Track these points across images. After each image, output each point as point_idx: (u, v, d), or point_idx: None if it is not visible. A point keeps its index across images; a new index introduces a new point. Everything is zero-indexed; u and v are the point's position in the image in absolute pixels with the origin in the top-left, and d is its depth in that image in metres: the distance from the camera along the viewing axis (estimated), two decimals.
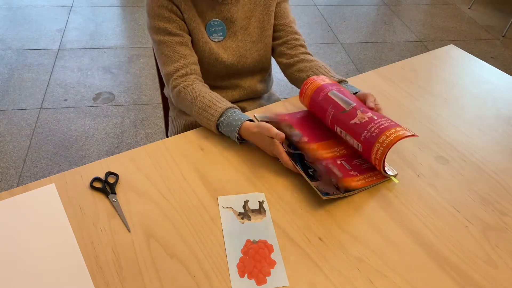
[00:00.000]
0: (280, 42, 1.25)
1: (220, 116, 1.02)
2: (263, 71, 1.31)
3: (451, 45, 1.50)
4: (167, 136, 1.45)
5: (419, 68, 1.36)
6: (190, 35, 1.16)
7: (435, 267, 0.80)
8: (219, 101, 1.04)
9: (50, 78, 2.58)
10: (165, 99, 1.42)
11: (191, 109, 1.07)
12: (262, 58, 1.26)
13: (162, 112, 1.49)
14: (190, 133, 1.06)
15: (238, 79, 1.27)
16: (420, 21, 3.52)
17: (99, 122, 2.28)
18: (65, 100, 2.42)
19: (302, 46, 1.25)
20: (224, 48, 1.19)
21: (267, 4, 1.20)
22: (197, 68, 1.15)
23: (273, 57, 1.29)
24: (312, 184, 0.89)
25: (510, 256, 0.82)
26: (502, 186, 0.97)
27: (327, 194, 0.87)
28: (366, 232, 0.85)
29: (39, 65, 2.68)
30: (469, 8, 3.77)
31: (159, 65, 1.16)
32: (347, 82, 1.17)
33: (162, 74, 1.15)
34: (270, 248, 0.81)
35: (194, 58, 1.15)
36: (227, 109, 1.02)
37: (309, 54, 1.25)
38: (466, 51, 1.47)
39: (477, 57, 1.44)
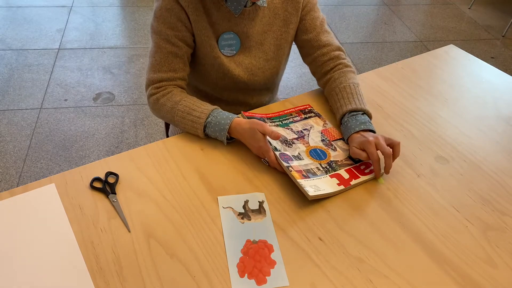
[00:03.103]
0: (310, 60, 1.19)
1: (207, 117, 0.99)
2: (273, 87, 1.28)
3: (451, 45, 1.50)
4: (167, 136, 1.45)
5: (419, 68, 1.36)
6: (197, 46, 1.10)
7: (435, 267, 0.80)
8: (202, 104, 1.02)
9: (50, 78, 2.58)
10: None
11: (172, 115, 1.03)
12: (273, 76, 1.21)
13: None
14: (190, 133, 1.06)
15: (246, 95, 1.22)
16: (420, 21, 3.52)
17: (99, 122, 2.28)
18: (65, 100, 2.42)
19: (331, 59, 1.15)
20: (235, 63, 1.13)
21: (287, 21, 1.13)
22: (183, 83, 1.10)
23: (310, 70, 1.23)
24: (299, 183, 0.89)
25: (510, 256, 0.82)
26: (502, 186, 0.97)
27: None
28: (366, 232, 0.85)
29: (39, 65, 2.68)
30: (469, 8, 3.77)
31: (148, 64, 1.10)
32: (364, 114, 1.03)
33: (146, 75, 1.10)
34: (270, 248, 0.81)
35: (185, 73, 1.10)
36: (213, 110, 1.01)
37: (337, 68, 1.15)
38: (466, 51, 1.47)
39: (477, 57, 1.44)
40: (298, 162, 0.96)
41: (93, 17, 3.25)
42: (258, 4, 1.07)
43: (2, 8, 3.27)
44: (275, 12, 1.11)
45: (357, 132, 0.99)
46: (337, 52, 1.16)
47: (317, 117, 1.11)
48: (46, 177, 0.92)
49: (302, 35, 1.16)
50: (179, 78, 1.09)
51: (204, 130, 1.01)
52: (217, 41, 1.09)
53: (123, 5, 3.46)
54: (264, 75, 1.17)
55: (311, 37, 1.15)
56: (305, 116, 1.11)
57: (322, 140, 1.04)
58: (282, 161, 0.94)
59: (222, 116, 0.99)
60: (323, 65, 1.16)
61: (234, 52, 1.11)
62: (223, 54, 1.11)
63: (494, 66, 1.40)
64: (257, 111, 1.12)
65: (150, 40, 1.09)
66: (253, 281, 0.76)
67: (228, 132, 0.99)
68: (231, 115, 1.00)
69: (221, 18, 1.06)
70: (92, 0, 3.46)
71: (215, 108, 1.02)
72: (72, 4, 3.38)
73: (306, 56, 1.19)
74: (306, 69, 1.23)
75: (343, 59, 1.16)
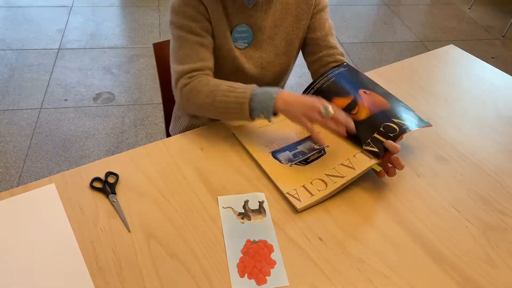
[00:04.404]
0: (313, 59, 1.18)
1: (252, 91, 0.96)
2: (281, 85, 1.27)
3: (451, 45, 1.50)
4: (167, 135, 1.45)
5: (419, 68, 1.36)
6: (213, 39, 1.09)
7: (435, 267, 0.80)
8: (242, 84, 1.00)
9: (50, 78, 2.58)
10: (165, 99, 1.42)
11: (213, 98, 0.99)
12: (283, 71, 1.21)
13: (162, 112, 1.49)
14: (190, 133, 1.06)
15: None
16: (420, 21, 3.52)
17: (99, 122, 2.28)
18: (65, 100, 2.42)
19: (335, 61, 1.16)
20: (246, 57, 1.13)
21: (299, 17, 1.13)
22: (211, 73, 1.08)
23: (309, 70, 1.23)
24: (287, 194, 0.90)
25: (510, 256, 0.82)
26: (502, 186, 0.97)
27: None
28: (366, 232, 0.85)
29: (39, 65, 2.68)
30: (469, 8, 3.77)
31: (172, 61, 1.08)
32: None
33: (173, 70, 1.07)
34: (270, 248, 0.81)
35: (212, 62, 1.08)
36: (255, 85, 0.99)
37: None
38: (466, 51, 1.47)
39: (477, 57, 1.44)
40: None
41: (93, 17, 3.25)
42: None
43: (2, 8, 3.27)
44: (287, 7, 1.12)
45: None
46: (341, 57, 1.18)
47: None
48: (46, 177, 0.92)
49: (310, 33, 1.17)
50: (208, 68, 1.06)
51: (251, 103, 0.96)
52: (230, 33, 1.09)
53: (123, 5, 3.46)
54: (274, 69, 1.18)
55: (319, 36, 1.16)
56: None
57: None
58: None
59: (268, 87, 0.98)
60: (327, 66, 1.17)
61: (246, 45, 1.12)
62: (236, 47, 1.11)
63: (494, 66, 1.40)
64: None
65: (171, 37, 1.08)
66: (253, 281, 0.76)
67: (276, 99, 0.95)
68: (275, 87, 0.99)
69: (235, 10, 1.07)
70: (92, 0, 3.46)
71: (256, 85, 1.00)
72: (72, 4, 3.38)
73: (310, 54, 1.20)
74: (306, 69, 1.23)
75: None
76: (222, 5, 1.05)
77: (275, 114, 0.97)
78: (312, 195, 0.89)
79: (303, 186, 0.91)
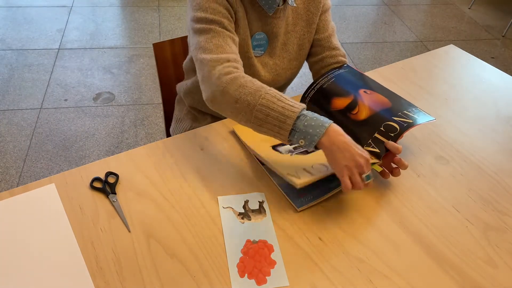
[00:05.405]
0: (316, 60, 1.18)
1: (302, 109, 0.84)
2: (287, 86, 1.28)
3: (451, 45, 1.50)
4: (167, 136, 1.45)
5: (419, 68, 1.36)
6: None
7: (435, 267, 0.80)
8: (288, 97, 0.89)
9: (50, 78, 2.58)
10: (165, 99, 1.42)
11: (258, 98, 0.85)
12: (293, 76, 1.21)
13: (162, 112, 1.49)
14: (190, 133, 1.06)
15: None
16: (420, 21, 3.52)
17: (99, 122, 2.28)
18: (65, 100, 2.42)
19: (337, 62, 1.16)
20: (262, 65, 1.12)
21: (310, 21, 1.13)
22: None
23: (311, 70, 1.22)
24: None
25: (510, 256, 0.82)
26: (502, 186, 0.97)
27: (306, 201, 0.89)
28: (366, 232, 0.85)
29: (39, 65, 2.68)
30: (469, 8, 3.77)
31: (200, 51, 0.95)
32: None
33: (203, 59, 0.93)
34: (270, 248, 0.81)
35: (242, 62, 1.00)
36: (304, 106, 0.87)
37: None
38: (466, 51, 1.47)
39: (477, 57, 1.44)
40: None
41: (93, 17, 3.25)
42: (289, 3, 1.07)
43: (2, 8, 3.27)
44: (297, 12, 1.12)
45: None
46: (343, 58, 1.18)
47: None
48: (46, 177, 0.92)
49: (314, 34, 1.17)
50: (242, 65, 0.96)
51: (296, 121, 0.83)
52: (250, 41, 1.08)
53: (123, 5, 3.46)
54: (286, 75, 1.18)
55: (323, 37, 1.17)
56: None
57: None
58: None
59: (320, 115, 0.85)
60: (329, 67, 1.17)
61: (262, 52, 1.11)
62: (254, 54, 1.10)
63: (494, 66, 1.40)
64: None
65: (193, 34, 0.98)
66: (253, 281, 0.76)
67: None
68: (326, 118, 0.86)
69: (254, 17, 1.06)
70: (92, 0, 3.46)
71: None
72: (72, 4, 3.38)
73: (312, 55, 1.20)
74: (306, 69, 1.23)
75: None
76: (246, 12, 1.04)
77: (316, 147, 0.85)
78: (312, 175, 0.89)
79: (304, 169, 0.91)
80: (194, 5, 0.98)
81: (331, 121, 0.84)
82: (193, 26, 0.98)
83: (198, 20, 0.96)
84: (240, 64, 0.94)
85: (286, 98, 0.86)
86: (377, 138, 0.94)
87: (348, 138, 0.83)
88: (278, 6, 1.05)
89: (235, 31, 1.02)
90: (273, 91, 0.87)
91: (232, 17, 1.00)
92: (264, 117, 0.84)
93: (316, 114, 0.85)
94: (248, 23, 1.05)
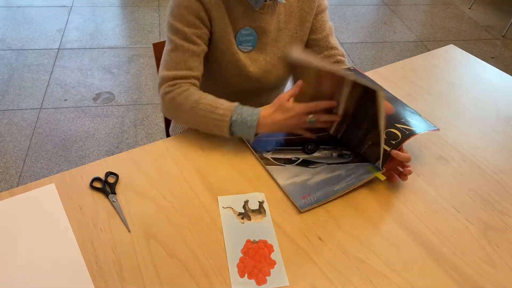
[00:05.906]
0: None
1: (231, 116, 0.95)
2: (283, 87, 1.28)
3: (451, 45, 1.50)
4: (167, 136, 1.45)
5: (419, 68, 1.36)
6: (214, 44, 1.08)
7: (435, 267, 0.80)
8: (223, 102, 0.98)
9: (50, 78, 2.58)
10: None
11: (193, 115, 0.98)
12: (286, 75, 1.21)
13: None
14: (190, 133, 1.06)
15: (255, 96, 1.20)
16: (420, 21, 3.52)
17: (99, 122, 2.28)
18: (65, 100, 2.42)
19: (336, 62, 1.18)
20: (251, 60, 1.12)
21: (303, 19, 1.14)
22: (197, 83, 1.06)
23: None
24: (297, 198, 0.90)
25: (510, 256, 0.82)
26: (502, 186, 0.97)
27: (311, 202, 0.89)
28: (366, 232, 0.85)
29: (39, 65, 2.68)
30: (469, 8, 3.77)
31: (161, 62, 1.07)
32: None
33: (159, 73, 1.06)
34: (270, 248, 0.81)
35: (200, 72, 1.06)
36: (235, 107, 0.96)
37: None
38: (466, 51, 1.47)
39: (477, 57, 1.44)
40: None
41: (93, 17, 3.25)
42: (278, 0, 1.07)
43: (2, 8, 3.27)
44: (290, 10, 1.12)
45: None
46: (342, 58, 1.18)
47: None
48: (46, 177, 0.92)
49: (311, 35, 1.18)
50: (194, 77, 1.05)
51: (231, 128, 0.97)
52: (235, 37, 1.09)
53: (123, 5, 3.46)
54: (277, 73, 1.18)
55: (320, 37, 1.17)
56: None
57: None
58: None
59: (247, 113, 0.96)
60: None
61: (251, 48, 1.11)
62: (240, 50, 1.10)
63: (494, 66, 1.40)
64: None
65: (166, 38, 1.07)
66: (253, 281, 0.76)
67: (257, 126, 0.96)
68: (255, 110, 0.97)
69: (240, 14, 1.06)
70: (92, 0, 3.46)
71: (237, 105, 0.98)
72: (72, 4, 3.38)
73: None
74: None
75: (346, 65, 1.18)
76: (227, 9, 1.04)
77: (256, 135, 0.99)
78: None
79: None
80: (170, 5, 1.05)
81: (257, 113, 0.95)
82: (166, 31, 1.07)
83: (168, 26, 1.05)
84: (191, 77, 1.04)
85: (217, 108, 0.97)
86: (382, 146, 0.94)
87: (274, 117, 0.96)
88: (266, 1, 1.06)
89: (209, 31, 1.06)
90: (204, 103, 0.98)
91: (203, 22, 1.03)
92: (205, 125, 0.99)
93: (244, 114, 0.95)
94: (233, 19, 1.06)
